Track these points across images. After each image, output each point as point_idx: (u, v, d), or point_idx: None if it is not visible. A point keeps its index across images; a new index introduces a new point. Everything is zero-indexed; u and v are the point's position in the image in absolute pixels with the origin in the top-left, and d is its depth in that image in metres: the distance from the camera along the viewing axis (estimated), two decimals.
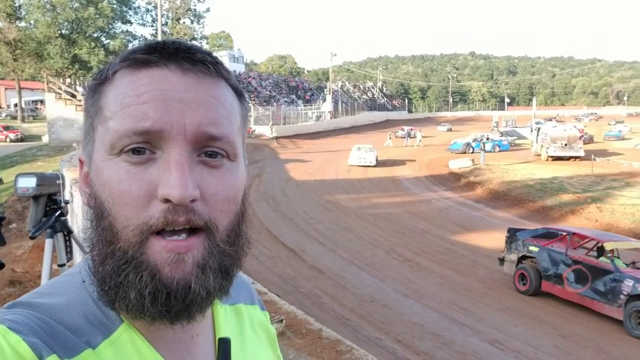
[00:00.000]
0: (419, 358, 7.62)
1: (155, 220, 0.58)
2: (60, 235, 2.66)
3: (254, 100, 53.22)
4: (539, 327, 9.08)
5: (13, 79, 48.34)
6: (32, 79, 55.68)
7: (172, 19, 55.04)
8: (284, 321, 5.40)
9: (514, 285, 11.10)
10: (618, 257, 10.17)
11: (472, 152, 33.16)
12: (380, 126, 59.60)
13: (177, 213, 0.58)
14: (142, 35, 53.02)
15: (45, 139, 35.39)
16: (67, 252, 2.78)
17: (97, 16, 44.07)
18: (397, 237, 14.74)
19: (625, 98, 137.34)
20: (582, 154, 29.99)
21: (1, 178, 21.23)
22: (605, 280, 9.45)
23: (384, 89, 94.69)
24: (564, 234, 11.22)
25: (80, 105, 27.39)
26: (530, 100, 56.12)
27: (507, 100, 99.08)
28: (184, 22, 55.62)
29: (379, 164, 28.22)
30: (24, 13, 45.13)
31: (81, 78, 42.44)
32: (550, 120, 56.80)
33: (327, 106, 57.04)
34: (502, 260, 11.72)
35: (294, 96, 64.58)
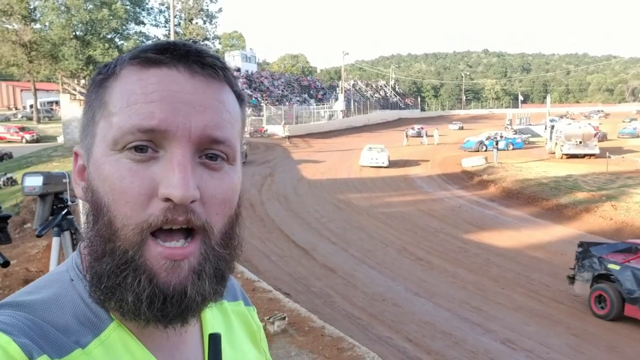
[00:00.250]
0: (429, 357, 7.58)
1: (155, 219, 0.59)
2: (67, 234, 2.68)
3: (267, 99, 53.34)
4: (551, 327, 9.00)
5: (28, 81, 48.90)
6: (47, 80, 56.19)
7: (185, 19, 55.37)
8: (287, 319, 5.41)
9: (590, 309, 9.62)
10: None
11: (486, 150, 32.95)
12: (393, 125, 59.47)
13: (177, 212, 0.59)
14: (155, 35, 53.39)
15: (60, 139, 35.76)
16: (74, 250, 2.80)
17: (111, 17, 44.40)
18: (409, 236, 14.70)
19: None
20: (597, 151, 29.64)
21: (15, 179, 21.47)
22: None
23: (397, 87, 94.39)
24: None
25: None
26: (545, 97, 55.55)
27: (520, 97, 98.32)
28: (196, 23, 55.92)
29: (391, 163, 27.86)
30: (38, 15, 45.60)
31: None
32: (562, 117, 56.18)
33: (339, 105, 57.00)
34: (572, 279, 10.18)
35: (306, 95, 64.62)
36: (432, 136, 41.64)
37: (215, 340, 0.70)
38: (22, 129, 42.40)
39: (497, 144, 31.43)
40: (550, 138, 32.27)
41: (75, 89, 33.74)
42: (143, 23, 51.18)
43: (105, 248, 0.60)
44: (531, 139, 42.05)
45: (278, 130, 41.89)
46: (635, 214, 16.28)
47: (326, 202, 19.23)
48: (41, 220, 2.50)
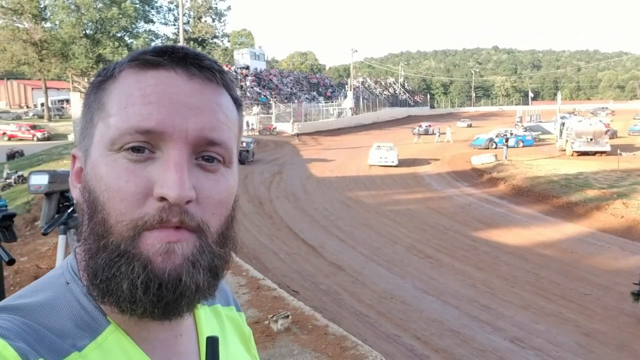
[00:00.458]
0: (438, 355, 7.56)
1: (150, 218, 0.59)
2: (72, 232, 2.71)
3: (275, 97, 53.38)
4: (561, 325, 8.93)
5: (39, 79, 49.37)
6: (58, 78, 56.65)
7: (194, 17, 55.56)
8: (290, 317, 5.42)
9: None
10: None
11: (495, 148, 32.78)
12: (402, 122, 59.36)
13: (172, 212, 0.59)
14: (164, 34, 53.75)
15: (71, 137, 36.08)
16: None
17: (121, 16, 44.71)
18: (418, 234, 14.66)
19: None
20: (608, 148, 29.39)
21: (26, 177, 21.66)
22: None
23: (406, 84, 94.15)
24: None
25: None
26: (555, 94, 55.16)
27: (531, 94, 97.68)
28: (205, 21, 56.11)
29: (400, 162, 27.49)
30: (49, 14, 45.99)
31: None
32: (570, 115, 55.72)
33: (348, 103, 57.01)
34: (637, 296, 9.08)
35: (315, 93, 64.61)
36: (444, 134, 41.58)
37: (212, 343, 0.71)
38: (34, 127, 42.81)
39: (507, 141, 31.28)
40: (560, 135, 32.05)
41: (85, 87, 33.97)
42: (152, 21, 51.55)
43: (100, 244, 0.61)
44: (541, 136, 41.81)
45: (287, 128, 41.96)
46: None
47: (335, 199, 19.23)
48: (47, 219, 2.52)
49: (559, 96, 43.18)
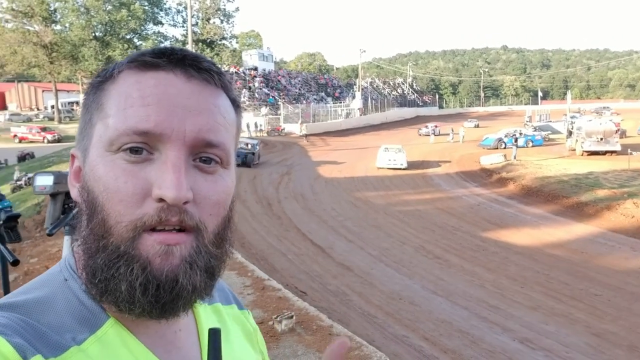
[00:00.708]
0: (446, 356, 7.53)
1: (149, 218, 0.60)
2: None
3: (284, 98, 53.46)
4: (570, 326, 8.86)
5: (49, 81, 49.79)
6: (68, 80, 57.15)
7: (202, 19, 55.81)
8: (294, 317, 5.42)
9: None
10: None
11: (505, 148, 32.62)
12: (411, 122, 59.23)
13: (170, 212, 0.60)
14: (173, 35, 53.98)
15: None
16: None
17: (130, 18, 44.99)
18: (427, 234, 14.61)
19: None
20: (618, 148, 29.17)
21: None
22: None
23: (414, 84, 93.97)
24: None
25: None
26: (565, 94, 54.81)
27: (540, 94, 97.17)
28: (213, 22, 56.36)
29: (409, 164, 26.88)
30: (59, 16, 46.38)
31: None
32: (578, 114, 55.21)
33: (356, 103, 56.97)
34: None
35: (323, 94, 64.64)
36: (457, 134, 41.53)
37: (215, 334, 0.70)
38: (44, 130, 43.11)
39: (516, 141, 31.10)
40: (570, 135, 31.85)
41: None
42: (161, 23, 51.88)
43: (99, 245, 0.61)
44: (551, 136, 41.56)
45: (295, 128, 42.01)
46: None
47: (343, 200, 19.21)
48: (52, 219, 2.53)
49: (568, 95, 42.97)
